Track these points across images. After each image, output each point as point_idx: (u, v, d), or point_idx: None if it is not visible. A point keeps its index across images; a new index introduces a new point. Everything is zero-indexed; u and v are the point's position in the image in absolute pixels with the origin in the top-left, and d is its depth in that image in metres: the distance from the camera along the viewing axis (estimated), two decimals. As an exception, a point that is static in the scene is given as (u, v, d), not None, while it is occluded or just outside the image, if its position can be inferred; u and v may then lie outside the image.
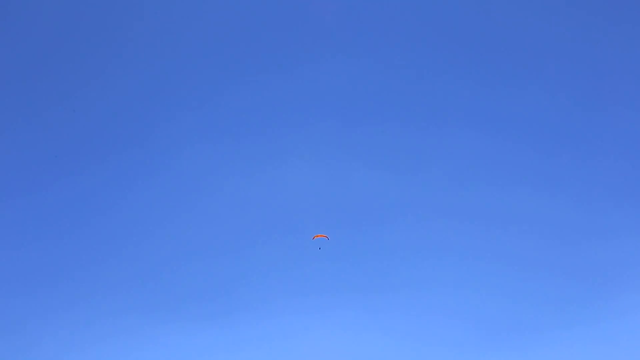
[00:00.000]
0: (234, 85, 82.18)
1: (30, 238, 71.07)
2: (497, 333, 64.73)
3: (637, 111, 78.61)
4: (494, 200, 75.62)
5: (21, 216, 72.38)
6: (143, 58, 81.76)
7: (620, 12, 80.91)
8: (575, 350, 62.31)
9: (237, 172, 78.00)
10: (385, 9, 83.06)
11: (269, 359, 62.45)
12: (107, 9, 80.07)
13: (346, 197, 76.16)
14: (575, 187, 76.20)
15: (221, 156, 79.16)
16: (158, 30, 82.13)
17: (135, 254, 71.37)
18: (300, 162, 78.59)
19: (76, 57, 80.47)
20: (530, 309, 66.74)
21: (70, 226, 72.87)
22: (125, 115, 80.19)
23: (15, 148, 75.67)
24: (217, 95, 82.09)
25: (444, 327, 65.24)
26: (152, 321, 64.86)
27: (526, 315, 66.14)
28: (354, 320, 65.70)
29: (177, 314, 65.84)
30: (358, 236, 73.62)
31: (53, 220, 73.17)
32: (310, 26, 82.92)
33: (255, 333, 64.47)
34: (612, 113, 79.53)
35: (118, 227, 73.45)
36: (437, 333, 64.93)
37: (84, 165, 76.91)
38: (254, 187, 76.87)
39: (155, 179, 77.30)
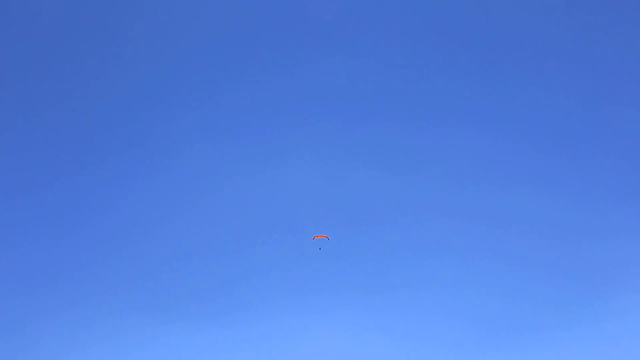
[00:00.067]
0: (233, 85, 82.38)
1: (30, 238, 71.30)
2: (497, 333, 64.88)
3: (637, 111, 78.73)
4: (493, 200, 75.80)
5: (21, 216, 72.62)
6: (143, 58, 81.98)
7: (620, 12, 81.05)
8: (575, 350, 62.36)
9: (236, 172, 78.20)
10: (385, 9, 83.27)
11: (269, 359, 62.71)
12: (107, 9, 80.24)
13: (346, 197, 76.32)
14: (575, 187, 76.33)
15: (221, 156, 79.40)
16: (158, 30, 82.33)
17: (135, 254, 71.58)
18: (300, 162, 78.78)
19: (76, 57, 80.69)
20: (530, 309, 66.88)
21: (70, 226, 73.12)
22: (125, 115, 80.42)
23: (15, 148, 75.93)
24: (217, 95, 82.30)
25: (444, 327, 65.37)
26: (152, 321, 65.02)
27: (526, 315, 66.26)
28: (354, 320, 65.87)
29: (176, 314, 66.04)
30: (358, 236, 73.82)
31: (53, 220, 73.44)
32: (310, 26, 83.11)
33: (255, 333, 64.67)
34: (612, 113, 79.64)
35: (118, 227, 73.69)
36: (437, 333, 65.07)
37: (84, 165, 77.13)
38: (254, 187, 77.07)
39: (155, 179, 77.54)
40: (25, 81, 78.88)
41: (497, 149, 79.36)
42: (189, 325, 64.80)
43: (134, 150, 78.56)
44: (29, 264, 69.10)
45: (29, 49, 78.76)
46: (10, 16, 77.80)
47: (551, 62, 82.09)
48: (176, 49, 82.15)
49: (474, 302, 67.18)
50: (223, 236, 74.17)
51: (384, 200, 76.00)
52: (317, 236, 58.82)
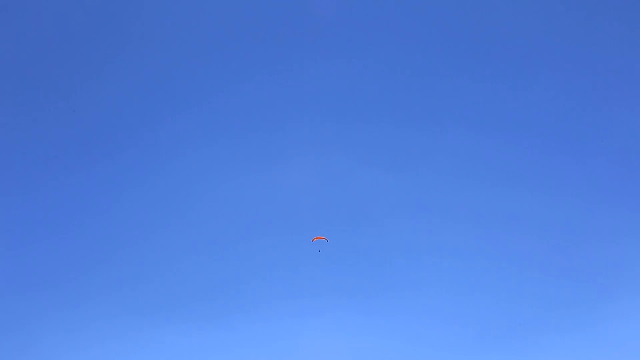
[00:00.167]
0: (233, 85, 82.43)
1: (28, 238, 71.58)
2: (495, 335, 65.04)
3: (637, 112, 78.52)
4: (492, 201, 75.86)
5: (20, 216, 72.92)
6: (143, 58, 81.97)
7: (619, 12, 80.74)
8: (575, 352, 62.49)
9: (236, 173, 78.37)
10: (384, 10, 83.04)
11: (266, 360, 62.90)
12: (107, 9, 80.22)
13: (346, 198, 76.52)
14: (574, 188, 76.34)
15: (220, 157, 79.51)
16: (158, 30, 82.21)
17: (133, 255, 71.90)
18: (299, 163, 78.88)
19: (76, 57, 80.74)
20: (529, 312, 67.06)
21: (68, 227, 73.36)
22: (124, 115, 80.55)
23: (15, 148, 76.09)
24: (217, 95, 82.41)
25: (441, 330, 65.65)
26: (149, 322, 65.44)
27: (524, 317, 66.43)
28: (351, 322, 66.09)
29: (173, 316, 66.47)
30: (356, 238, 74.04)
31: (52, 220, 73.65)
32: (310, 26, 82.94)
33: (253, 334, 65.11)
34: (612, 114, 79.52)
35: (116, 228, 74.05)
36: (435, 335, 65.31)
37: (84, 165, 77.38)
38: (253, 188, 77.24)
39: (154, 180, 77.72)
40: (25, 81, 79.17)
41: (497, 150, 79.62)
42: (185, 327, 65.35)
43: (132, 150, 79.04)
44: (28, 264, 69.62)
45: (29, 49, 79.04)
46: (10, 16, 77.96)
47: (551, 63, 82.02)
48: (175, 50, 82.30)
49: (472, 304, 67.60)
50: (220, 238, 74.77)
51: (382, 202, 76.39)
52: (316, 238, 58.89)
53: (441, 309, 67.10)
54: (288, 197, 76.00)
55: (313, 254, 62.11)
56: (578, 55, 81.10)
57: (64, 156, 77.59)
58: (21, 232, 71.52)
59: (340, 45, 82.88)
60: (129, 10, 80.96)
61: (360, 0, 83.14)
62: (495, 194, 76.12)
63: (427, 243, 72.85)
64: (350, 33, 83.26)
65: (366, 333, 64.85)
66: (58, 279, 68.89)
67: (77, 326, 64.57)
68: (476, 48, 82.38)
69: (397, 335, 65.19)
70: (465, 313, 66.70)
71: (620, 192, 74.81)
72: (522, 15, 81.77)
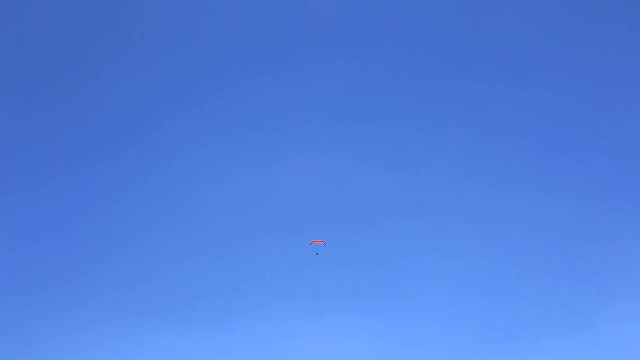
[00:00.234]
0: (233, 85, 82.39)
1: (27, 239, 71.50)
2: (494, 338, 64.95)
3: (637, 112, 78.48)
4: (491, 202, 75.80)
5: (18, 217, 72.89)
6: (143, 58, 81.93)
7: (619, 12, 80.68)
8: (575, 353, 62.51)
9: (235, 174, 78.36)
10: (384, 10, 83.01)
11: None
12: (107, 9, 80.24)
13: (345, 200, 76.46)
14: (574, 189, 76.28)
15: (219, 158, 79.49)
16: (158, 30, 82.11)
17: (131, 256, 71.93)
18: (298, 164, 78.76)
19: (76, 57, 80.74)
20: (529, 313, 66.92)
21: (67, 228, 73.40)
22: (123, 115, 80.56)
23: (15, 148, 76.11)
24: (217, 95, 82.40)
25: (441, 332, 65.64)
26: (149, 324, 65.50)
27: (525, 318, 66.36)
28: (351, 323, 66.11)
29: (173, 317, 66.45)
30: (355, 239, 73.87)
31: (50, 221, 73.65)
32: (308, 26, 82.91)
33: (251, 336, 65.07)
34: (611, 114, 79.43)
35: (115, 229, 74.06)
36: (434, 336, 65.32)
37: (83, 165, 77.34)
38: (253, 190, 77.19)
39: (153, 181, 77.75)
40: (25, 81, 79.18)
41: (497, 150, 79.54)
42: (185, 328, 65.33)
43: (131, 151, 79.03)
44: (25, 265, 69.66)
45: (29, 48, 79.04)
46: (10, 16, 77.99)
47: (551, 63, 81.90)
48: (175, 50, 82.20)
49: (471, 306, 67.50)
50: (219, 239, 74.64)
51: (382, 202, 76.29)
52: (314, 241, 58.97)
53: (441, 309, 67.25)
54: (288, 198, 76.13)
55: (312, 256, 62.34)
56: (578, 55, 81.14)
57: (64, 156, 77.78)
58: (19, 233, 71.72)
59: (340, 46, 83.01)
60: (129, 10, 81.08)
61: (360, 0, 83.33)
62: (495, 194, 76.22)
63: (427, 243, 73.01)
64: (350, 33, 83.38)
65: (366, 334, 65.07)
66: (55, 280, 69.06)
67: (75, 328, 64.69)
68: (476, 48, 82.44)
69: (397, 337, 65.36)
70: (465, 314, 66.85)
71: (620, 193, 74.93)
72: (522, 15, 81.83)
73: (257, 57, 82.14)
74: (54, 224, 73.27)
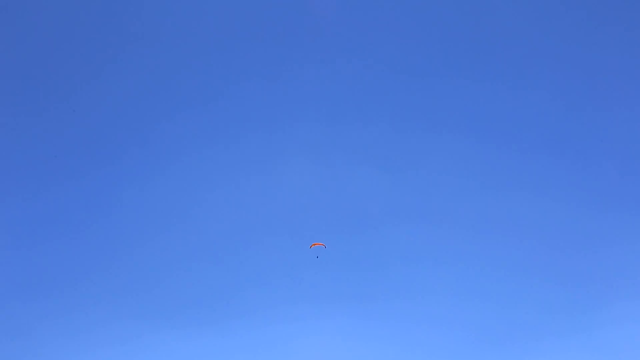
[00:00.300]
0: (232, 86, 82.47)
1: (28, 242, 71.61)
2: (493, 340, 65.02)
3: (637, 114, 78.39)
4: (491, 205, 75.88)
5: (19, 219, 72.92)
6: (143, 58, 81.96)
7: (619, 12, 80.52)
8: (574, 356, 62.54)
9: (235, 175, 78.53)
10: (384, 10, 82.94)
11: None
12: (107, 9, 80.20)
13: (345, 201, 76.56)
14: (574, 192, 76.36)
15: (219, 158, 79.65)
16: (158, 30, 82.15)
17: (130, 258, 72.10)
18: (298, 165, 78.81)
19: (76, 57, 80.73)
20: (528, 316, 67.00)
21: (67, 229, 73.44)
22: (123, 116, 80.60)
23: (15, 148, 76.12)
24: (216, 96, 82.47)
25: (440, 334, 65.60)
26: (149, 326, 65.49)
27: (522, 322, 66.40)
28: (350, 326, 66.13)
29: (173, 320, 66.49)
30: (355, 243, 74.14)
31: (50, 223, 73.65)
32: (309, 27, 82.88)
33: (251, 339, 65.10)
34: (612, 116, 79.45)
35: (114, 230, 74.16)
36: (434, 339, 65.30)
37: (83, 166, 77.43)
38: (252, 192, 77.29)
39: (153, 183, 77.88)
40: (26, 81, 79.18)
41: (496, 153, 79.58)
42: (185, 331, 65.36)
43: (131, 151, 79.17)
44: (27, 268, 69.67)
45: (29, 48, 79.00)
46: (10, 16, 77.95)
47: (551, 64, 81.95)
48: (175, 50, 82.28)
49: (471, 308, 67.54)
50: (219, 242, 74.99)
51: (382, 205, 76.41)
52: (314, 244, 59.00)
53: (440, 312, 67.29)
54: (288, 200, 76.19)
55: (312, 258, 62.40)
56: (578, 56, 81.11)
57: (64, 157, 77.79)
58: (21, 235, 71.72)
59: (340, 46, 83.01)
60: (129, 10, 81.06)
61: (360, 1, 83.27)
62: (494, 197, 76.28)
63: (427, 247, 73.19)
64: (350, 33, 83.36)
65: (365, 337, 65.06)
66: (57, 283, 69.18)
67: (76, 330, 64.75)
68: (476, 49, 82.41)
69: (396, 339, 65.35)
70: (465, 316, 66.89)
71: (619, 196, 74.93)
72: (522, 16, 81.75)
73: (257, 58, 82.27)
74: (53, 225, 73.42)
